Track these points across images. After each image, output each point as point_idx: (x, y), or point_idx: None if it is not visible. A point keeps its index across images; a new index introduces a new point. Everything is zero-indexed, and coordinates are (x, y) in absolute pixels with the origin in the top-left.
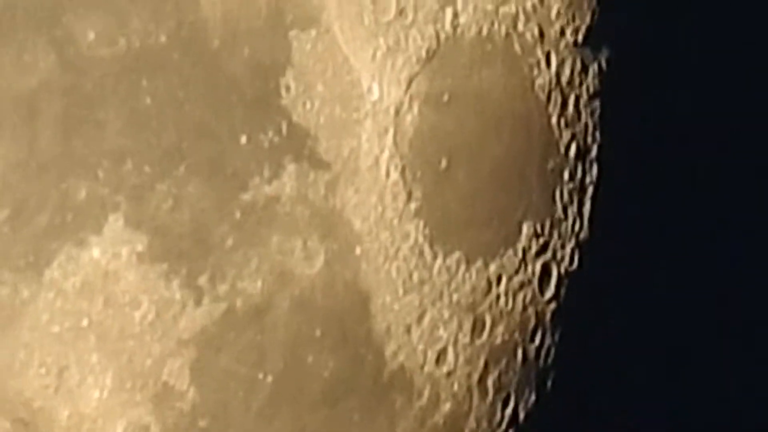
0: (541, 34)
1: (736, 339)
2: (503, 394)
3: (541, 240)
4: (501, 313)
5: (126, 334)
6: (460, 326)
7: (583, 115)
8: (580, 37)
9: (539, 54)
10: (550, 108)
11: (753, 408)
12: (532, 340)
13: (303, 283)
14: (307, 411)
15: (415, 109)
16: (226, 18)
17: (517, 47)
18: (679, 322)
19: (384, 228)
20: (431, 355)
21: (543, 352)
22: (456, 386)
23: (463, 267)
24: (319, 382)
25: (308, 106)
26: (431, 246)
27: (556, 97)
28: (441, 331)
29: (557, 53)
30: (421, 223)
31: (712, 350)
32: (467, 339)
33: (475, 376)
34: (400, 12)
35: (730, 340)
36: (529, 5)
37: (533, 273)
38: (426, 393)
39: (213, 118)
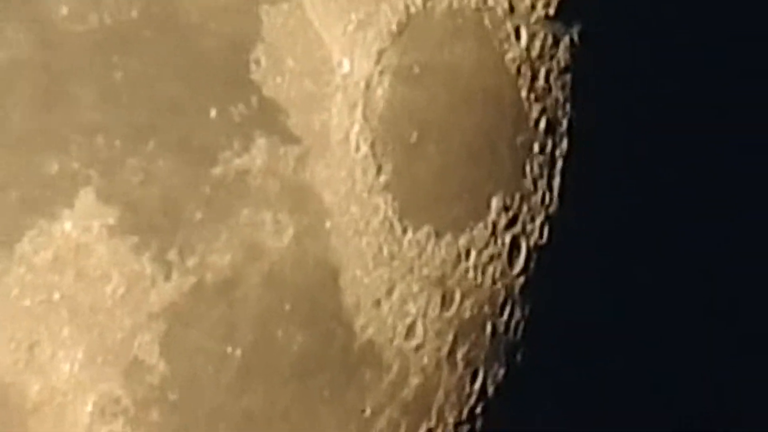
0: (512, 8)
1: (710, 318)
2: (472, 368)
3: (511, 213)
4: (470, 286)
5: (97, 308)
6: (429, 300)
7: (554, 89)
8: (551, 11)
9: (509, 28)
10: (521, 82)
11: (722, 384)
12: (502, 314)
13: (273, 257)
14: (276, 385)
15: (386, 83)
16: None
17: (487, 21)
18: (650, 297)
19: (354, 202)
20: (401, 329)
21: (512, 326)
22: (425, 360)
23: (432, 241)
24: (289, 357)
25: (278, 80)
26: (401, 220)
27: (527, 71)
28: (410, 305)
29: (528, 27)
30: (391, 197)
31: (684, 328)
32: (436, 313)
33: (445, 350)
34: None
35: (703, 319)
36: None
37: (503, 246)
38: (395, 367)
39: (184, 93)
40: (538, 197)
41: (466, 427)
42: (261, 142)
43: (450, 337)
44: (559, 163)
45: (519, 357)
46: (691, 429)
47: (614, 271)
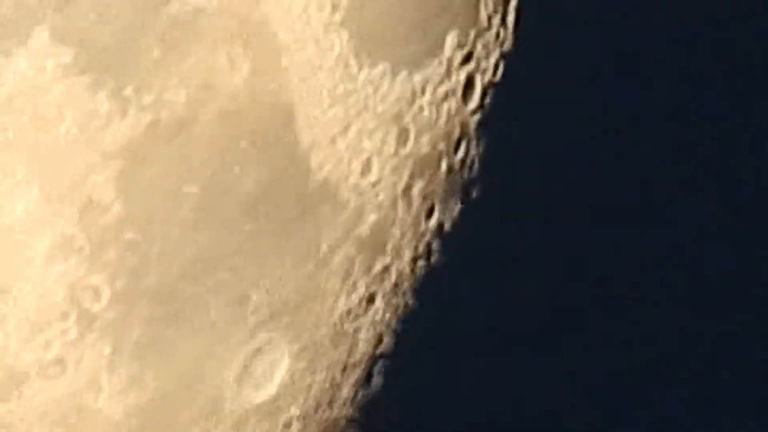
0: None
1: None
2: (428, 205)
3: (465, 50)
4: (425, 123)
5: (52, 146)
6: (385, 137)
7: None
8: None
9: None
10: None
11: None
12: (456, 150)
13: (228, 94)
14: (232, 223)
15: None
16: None
17: None
18: (599, 129)
19: (309, 39)
20: (356, 166)
21: (467, 163)
22: (381, 197)
23: (388, 78)
24: (245, 194)
25: None
26: (356, 57)
27: None
28: (366, 142)
29: None
30: (347, 35)
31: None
32: (392, 150)
33: (400, 187)
34: None
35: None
36: None
37: (457, 83)
38: (351, 204)
39: None
40: (492, 34)
41: (421, 263)
42: None
43: (406, 174)
44: (513, 0)
45: (474, 193)
46: None
47: (563, 104)
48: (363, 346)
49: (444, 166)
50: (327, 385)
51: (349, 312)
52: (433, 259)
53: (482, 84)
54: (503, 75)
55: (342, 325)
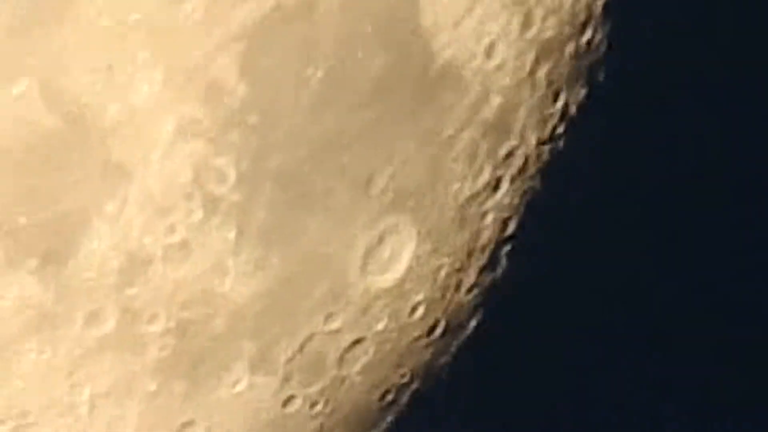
0: None
1: None
2: (554, 88)
3: None
4: (550, 6)
5: (175, 28)
6: (509, 20)
7: None
8: None
9: None
10: None
11: None
12: (583, 33)
13: None
14: (356, 107)
15: None
16: None
17: None
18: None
19: None
20: (480, 50)
21: (594, 46)
22: (506, 80)
23: None
24: (368, 78)
25: None
26: None
27: None
28: (490, 25)
29: None
30: None
31: None
32: (517, 33)
33: (526, 70)
34: None
35: None
36: None
37: None
38: (475, 87)
39: None
40: None
41: (548, 147)
42: None
43: (531, 57)
44: None
45: (601, 76)
46: None
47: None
48: (489, 231)
49: (569, 49)
50: (452, 269)
51: (474, 196)
52: (559, 142)
53: None
54: None
55: (467, 209)
